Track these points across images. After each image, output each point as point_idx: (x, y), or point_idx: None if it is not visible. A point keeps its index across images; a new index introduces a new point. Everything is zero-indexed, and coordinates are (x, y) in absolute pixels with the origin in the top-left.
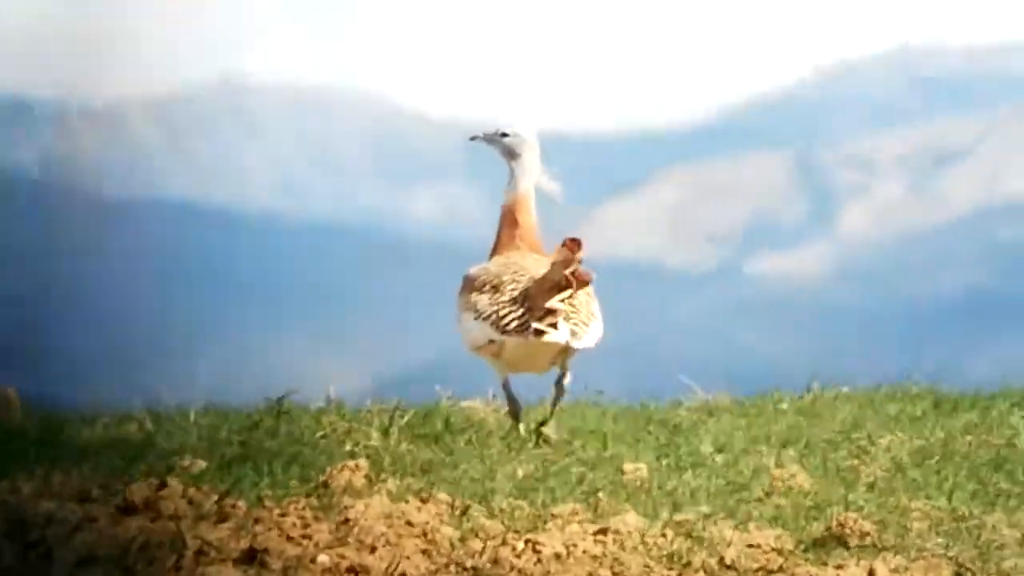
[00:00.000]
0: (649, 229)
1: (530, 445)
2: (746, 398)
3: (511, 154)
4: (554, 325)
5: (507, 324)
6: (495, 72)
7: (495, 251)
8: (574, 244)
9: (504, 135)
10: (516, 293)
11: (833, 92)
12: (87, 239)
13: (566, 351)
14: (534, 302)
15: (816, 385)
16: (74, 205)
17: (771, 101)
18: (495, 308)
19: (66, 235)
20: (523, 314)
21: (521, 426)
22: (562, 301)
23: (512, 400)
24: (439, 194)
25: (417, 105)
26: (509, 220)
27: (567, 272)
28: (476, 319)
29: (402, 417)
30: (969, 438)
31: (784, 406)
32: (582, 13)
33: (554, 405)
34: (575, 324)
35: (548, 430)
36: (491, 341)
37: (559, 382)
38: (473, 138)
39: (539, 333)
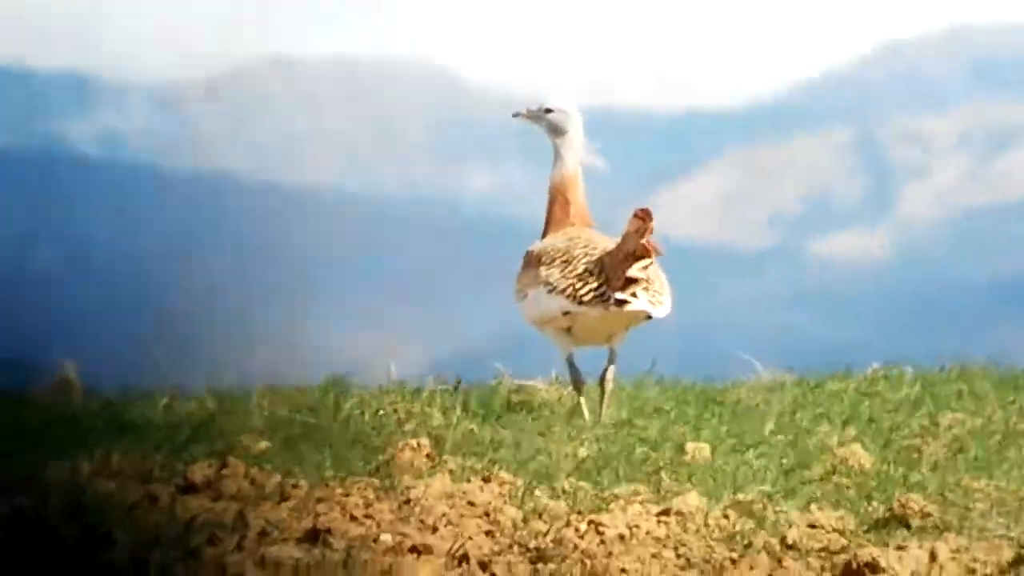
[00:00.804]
0: (707, 211)
1: (592, 424)
2: (807, 378)
3: (556, 131)
4: (635, 294)
5: (585, 295)
6: (553, 49)
7: (548, 229)
8: (645, 213)
9: (548, 111)
10: (591, 264)
11: (890, 72)
12: (146, 217)
13: (636, 321)
14: (613, 272)
15: (877, 365)
16: (134, 182)
17: (828, 82)
18: (571, 281)
19: (125, 213)
20: (600, 285)
21: (583, 400)
22: (641, 270)
23: (576, 372)
24: (496, 170)
25: (474, 80)
26: (560, 199)
27: (643, 241)
28: (550, 292)
29: (463, 396)
30: None
31: (846, 386)
32: None
33: (602, 401)
34: (652, 293)
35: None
36: (566, 313)
37: (602, 380)
38: (516, 114)
39: (620, 303)
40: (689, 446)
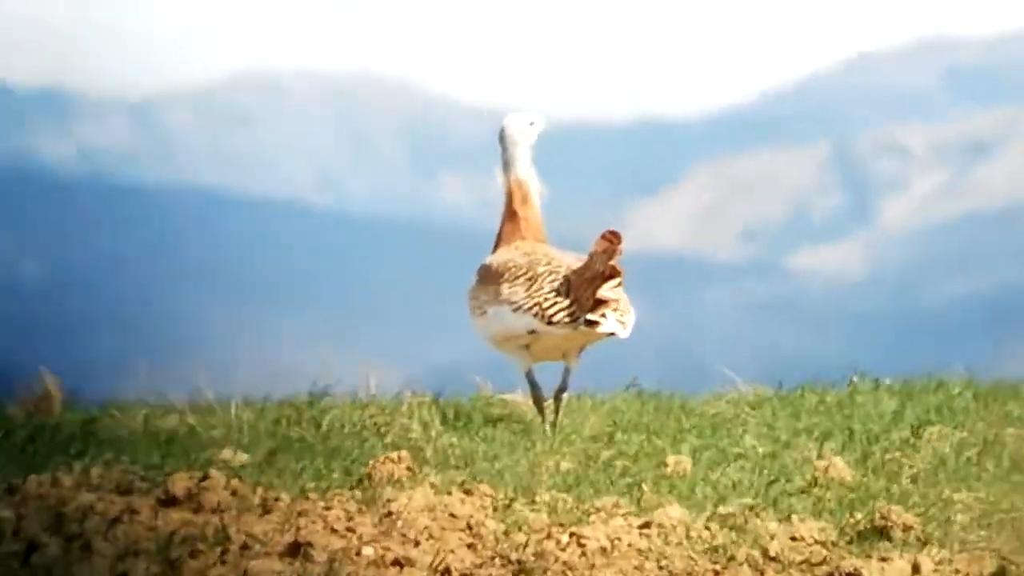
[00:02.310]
0: (684, 222)
1: (552, 439)
2: (787, 391)
3: (506, 145)
4: (604, 315)
5: (554, 315)
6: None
7: (499, 242)
8: (614, 236)
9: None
10: (557, 284)
11: (867, 83)
12: (125, 230)
13: (595, 340)
14: (582, 292)
15: (856, 378)
16: (112, 197)
17: (806, 92)
18: (537, 300)
19: (104, 226)
20: (571, 305)
21: (547, 421)
22: (611, 291)
23: (536, 388)
24: (471, 182)
25: (448, 93)
26: (509, 211)
27: (611, 263)
28: (515, 310)
29: (442, 409)
30: (1010, 430)
31: (826, 399)
32: (616, 5)
33: (556, 416)
34: (620, 313)
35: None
36: (531, 332)
37: (557, 396)
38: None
39: (591, 323)
40: (670, 459)
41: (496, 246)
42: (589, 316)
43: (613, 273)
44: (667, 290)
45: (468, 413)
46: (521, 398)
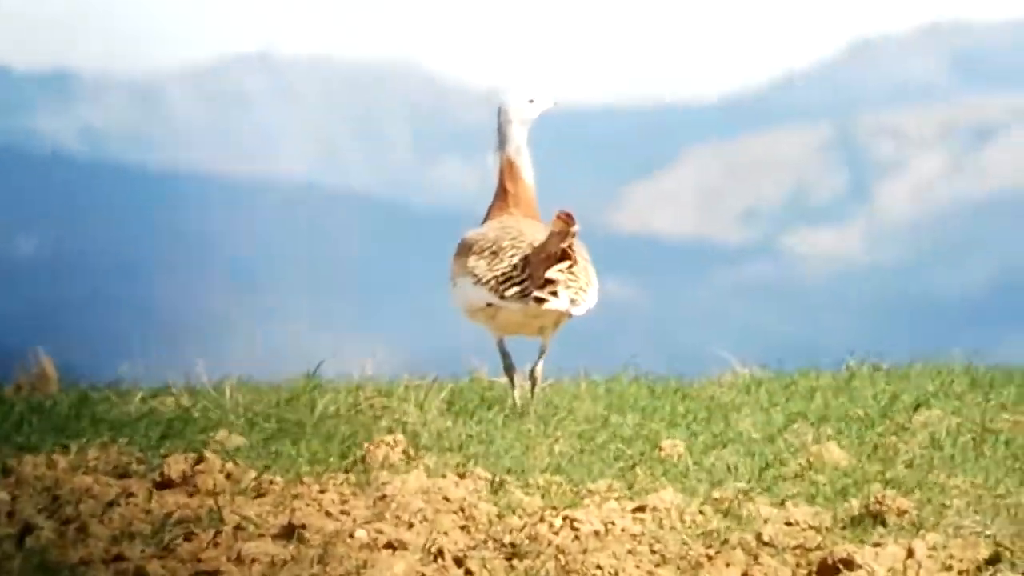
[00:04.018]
0: (683, 205)
1: (567, 419)
2: (783, 374)
3: (498, 121)
4: (555, 293)
5: (507, 290)
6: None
7: (488, 216)
8: (568, 217)
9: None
10: (516, 260)
11: (869, 67)
12: (125, 211)
13: (562, 317)
14: (535, 270)
15: (853, 362)
16: (113, 177)
17: (807, 76)
18: (494, 274)
19: (104, 207)
20: (523, 281)
21: (516, 391)
22: (560, 272)
23: (507, 357)
24: (475, 165)
25: (452, 77)
26: (500, 186)
27: (564, 245)
28: (475, 283)
29: (438, 392)
30: (1006, 415)
31: (822, 382)
32: None
33: (532, 393)
34: (575, 292)
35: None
36: (489, 305)
37: (532, 373)
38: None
39: (539, 301)
40: (664, 442)
41: (485, 219)
42: (537, 293)
43: (564, 256)
44: (665, 272)
45: (464, 396)
46: (519, 380)
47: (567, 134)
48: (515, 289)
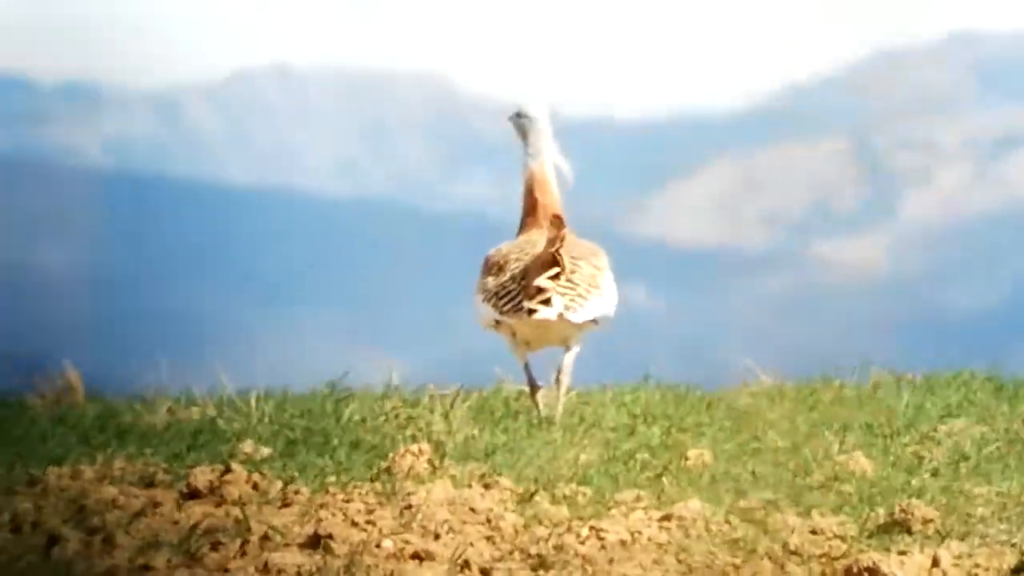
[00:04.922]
0: (705, 214)
1: (592, 429)
2: (808, 384)
3: (522, 134)
4: (546, 302)
5: (504, 304)
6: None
7: (521, 229)
8: (557, 220)
9: (519, 115)
10: (516, 272)
11: (892, 77)
12: (146, 224)
13: (572, 327)
14: (529, 280)
15: (877, 371)
16: (134, 189)
17: (829, 86)
18: (496, 289)
19: (126, 220)
20: (518, 294)
21: (541, 406)
22: (550, 279)
23: (531, 376)
24: (493, 175)
25: (470, 88)
26: (528, 200)
27: (553, 250)
28: (484, 300)
29: (464, 402)
30: None
31: (847, 392)
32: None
33: (558, 400)
34: (570, 299)
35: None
36: (497, 322)
37: (557, 379)
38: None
39: (531, 312)
40: (691, 452)
41: (517, 233)
42: (528, 304)
43: (552, 262)
44: (689, 281)
45: (490, 405)
46: (543, 389)
47: (595, 144)
48: (510, 304)
